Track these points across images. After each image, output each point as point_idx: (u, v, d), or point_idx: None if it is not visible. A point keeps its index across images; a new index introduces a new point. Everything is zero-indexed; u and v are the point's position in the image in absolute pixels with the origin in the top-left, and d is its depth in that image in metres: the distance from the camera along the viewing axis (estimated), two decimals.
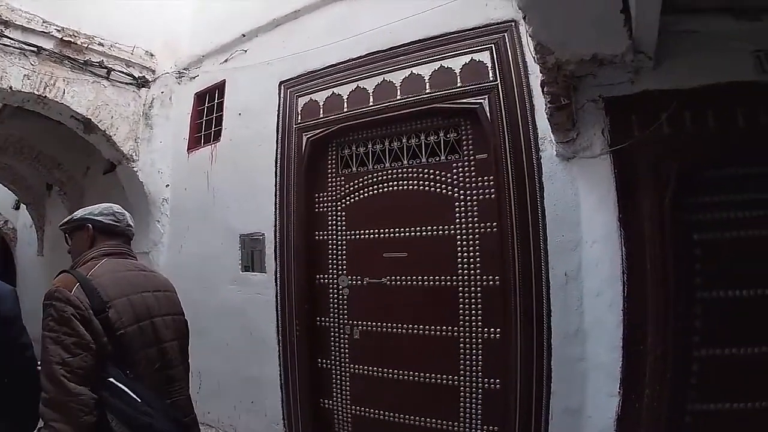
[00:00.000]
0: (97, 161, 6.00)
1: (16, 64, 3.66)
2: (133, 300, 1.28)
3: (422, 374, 2.80)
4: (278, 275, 3.25)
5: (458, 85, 2.71)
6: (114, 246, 1.41)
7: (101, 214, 1.46)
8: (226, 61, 4.09)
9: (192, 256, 4.02)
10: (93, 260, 1.33)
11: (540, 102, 2.32)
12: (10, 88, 3.60)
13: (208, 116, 4.28)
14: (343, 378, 3.10)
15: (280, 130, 3.40)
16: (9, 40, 3.57)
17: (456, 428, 2.66)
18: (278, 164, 3.36)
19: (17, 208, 9.57)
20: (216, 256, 3.77)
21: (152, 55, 4.53)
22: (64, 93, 3.88)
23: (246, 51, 3.92)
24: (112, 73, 4.18)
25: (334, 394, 3.12)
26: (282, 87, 3.48)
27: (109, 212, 1.48)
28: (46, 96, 3.79)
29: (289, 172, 3.28)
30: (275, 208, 3.31)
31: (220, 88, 4.17)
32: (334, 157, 3.31)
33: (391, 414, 2.90)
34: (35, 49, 3.71)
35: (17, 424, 1.27)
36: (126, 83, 4.33)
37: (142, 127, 4.42)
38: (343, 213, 3.19)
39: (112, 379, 1.12)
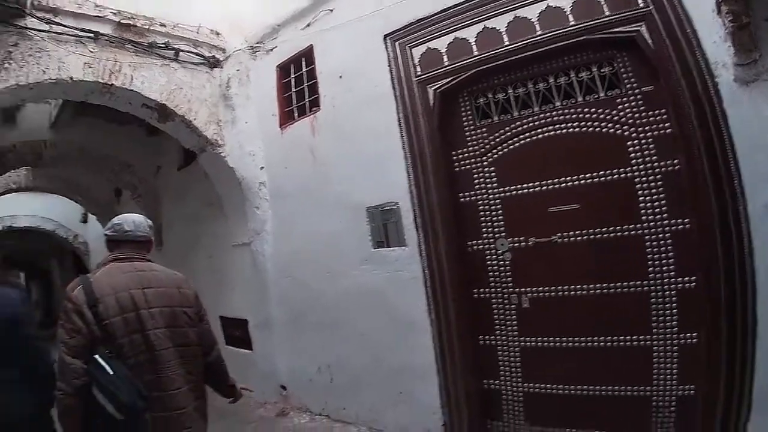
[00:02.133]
0: (168, 159, 6.83)
1: (73, 52, 3.98)
2: (119, 297, 2.00)
3: (606, 338, 2.98)
4: (422, 247, 3.51)
5: (605, 14, 2.87)
6: (120, 252, 2.15)
7: (109, 229, 2.21)
8: (308, 25, 4.43)
9: (305, 241, 4.42)
10: (102, 266, 2.12)
11: (702, 26, 2.56)
12: (71, 78, 3.96)
13: (297, 87, 4.62)
14: (512, 354, 3.33)
15: (396, 86, 3.66)
16: (61, 27, 3.91)
17: (648, 392, 2.85)
18: (402, 124, 3.61)
19: (85, 221, 11.18)
20: (337, 237, 4.10)
21: (218, 33, 4.99)
22: (132, 79, 4.31)
23: (332, 10, 4.23)
24: (180, 54, 4.63)
25: (502, 373, 3.37)
26: (388, 40, 3.74)
27: (111, 226, 2.21)
28: (112, 84, 4.19)
29: (418, 131, 3.52)
30: (408, 173, 3.57)
31: (306, 55, 4.50)
32: (468, 108, 3.49)
33: (570, 387, 3.11)
34: (92, 35, 4.07)
35: (40, 392, 2.09)
36: (196, 63, 4.81)
37: (222, 109, 4.91)
38: (492, 168, 3.38)
39: (96, 356, 1.89)
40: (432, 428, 3.60)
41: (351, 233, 4.04)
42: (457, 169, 3.57)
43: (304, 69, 4.59)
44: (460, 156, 3.56)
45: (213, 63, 4.96)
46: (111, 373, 1.88)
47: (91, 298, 1.97)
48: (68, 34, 4.00)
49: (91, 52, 4.12)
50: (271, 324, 4.89)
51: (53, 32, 3.91)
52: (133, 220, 2.25)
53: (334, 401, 4.37)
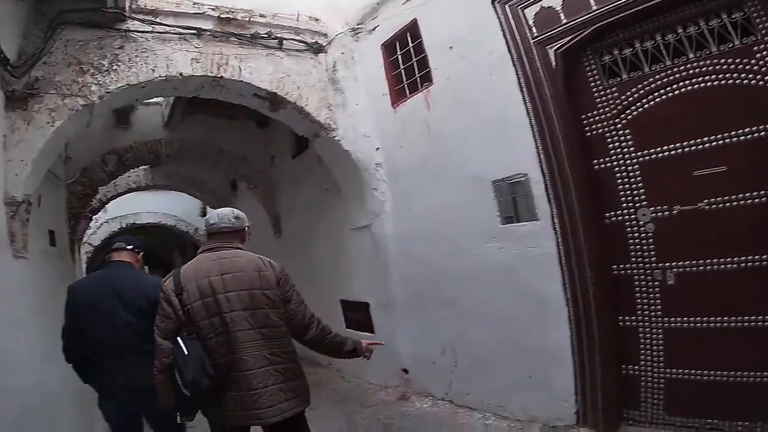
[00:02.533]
0: (281, 149, 7.30)
1: (178, 49, 4.32)
2: (200, 284, 2.31)
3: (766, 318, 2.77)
4: (555, 221, 3.45)
5: None
6: (209, 244, 2.50)
7: (205, 225, 2.61)
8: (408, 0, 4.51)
9: (425, 219, 4.52)
10: (194, 257, 2.49)
11: None
12: (181, 74, 4.30)
13: (405, 63, 4.72)
14: (654, 336, 3.21)
15: (513, 50, 3.61)
16: (163, 26, 4.26)
17: None
18: (524, 89, 3.56)
19: (204, 214, 11.92)
20: (460, 213, 4.14)
21: (317, 19, 5.19)
22: (240, 70, 4.60)
23: None
24: (284, 42, 4.87)
25: (642, 357, 3.26)
26: (497, 4, 3.70)
27: (205, 222, 2.61)
28: (221, 76, 4.50)
29: (542, 95, 3.45)
30: (535, 142, 3.50)
31: (410, 30, 4.58)
32: (593, 67, 3.39)
33: (719, 373, 2.95)
34: (195, 31, 4.39)
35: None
36: (300, 50, 5.05)
37: (331, 93, 5.12)
38: (627, 131, 3.25)
39: (178, 338, 2.25)
40: (563, 416, 3.56)
41: (475, 209, 4.06)
42: (589, 134, 3.46)
43: (411, 44, 4.67)
44: (591, 119, 3.45)
45: (316, 49, 5.17)
46: (186, 353, 2.22)
47: (178, 287, 2.33)
48: (171, 33, 4.35)
49: (196, 47, 4.43)
50: (393, 306, 5.07)
51: (156, 32, 4.26)
52: (218, 213, 2.59)
53: (458, 385, 4.43)
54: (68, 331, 2.87)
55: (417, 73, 4.64)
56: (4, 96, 3.37)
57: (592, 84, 3.44)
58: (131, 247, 3.10)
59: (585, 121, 3.47)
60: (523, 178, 3.67)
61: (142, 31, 4.20)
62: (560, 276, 3.50)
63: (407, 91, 4.78)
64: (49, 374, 3.56)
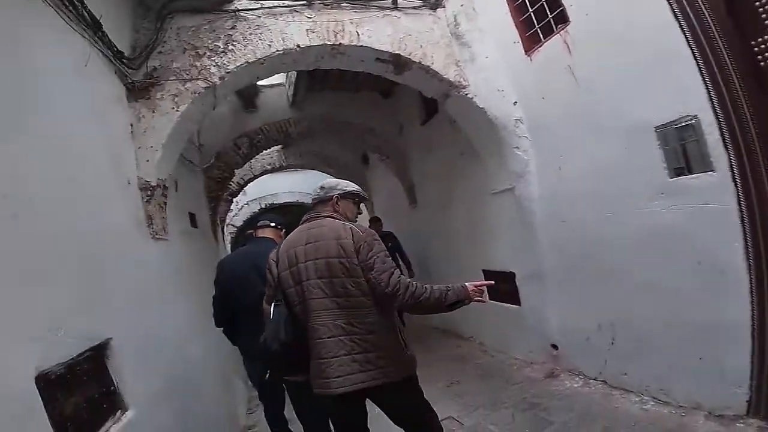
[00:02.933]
0: (409, 117, 7.34)
1: (291, 21, 4.38)
2: (289, 253, 2.52)
3: None
4: (735, 171, 3.01)
5: None
6: (307, 215, 2.68)
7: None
8: None
9: (577, 178, 4.25)
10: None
11: None
12: (298, 46, 4.36)
13: (533, 5, 4.44)
14: None
15: None
16: (271, 1, 4.36)
17: None
18: (679, 16, 3.15)
19: None
20: (618, 168, 3.78)
21: None
22: (358, 35, 4.59)
23: None
24: (398, 2, 4.77)
25: None
26: None
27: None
28: (340, 43, 4.52)
29: (701, 23, 3.04)
30: (702, 77, 3.08)
31: None
32: None
33: None
34: (305, 1, 4.44)
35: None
36: (417, 8, 4.94)
37: (456, 48, 4.97)
38: None
39: (273, 303, 2.51)
40: (732, 405, 3.19)
41: (636, 161, 3.67)
42: (763, 63, 2.94)
43: None
44: (763, 46, 2.92)
45: (434, 4, 5.03)
46: (270, 317, 2.50)
47: (275, 257, 2.60)
48: (281, 6, 4.43)
49: (309, 17, 4.48)
50: (542, 275, 4.89)
51: (266, 8, 4.37)
52: (320, 183, 2.78)
53: (614, 365, 4.18)
54: (217, 301, 3.49)
55: (549, 13, 4.32)
56: (125, 89, 3.67)
57: (758, 4, 2.89)
58: (273, 224, 3.65)
59: (756, 48, 2.95)
60: (692, 121, 3.21)
61: (252, 9, 4.35)
62: (741, 238, 3.04)
63: (541, 36, 4.47)
64: (192, 349, 3.94)
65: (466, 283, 2.57)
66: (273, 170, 10.39)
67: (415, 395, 2.61)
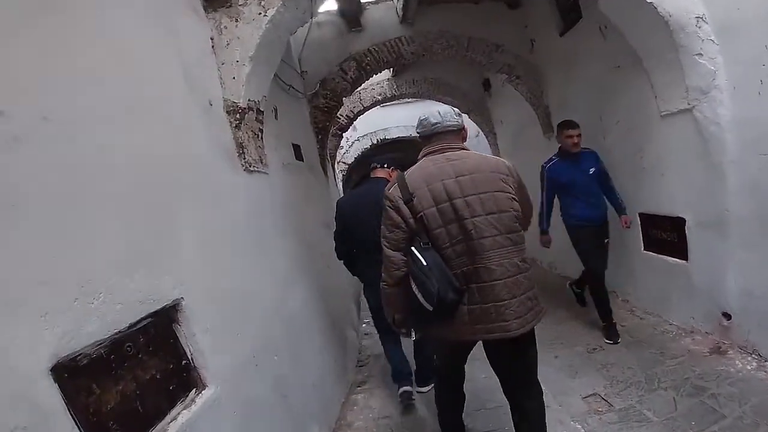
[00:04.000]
0: (543, 28, 6.27)
1: None
2: (432, 188, 2.27)
3: None
4: None
5: None
6: (429, 147, 2.44)
7: (418, 126, 2.52)
8: None
9: None
10: (416, 162, 2.44)
11: None
12: None
13: None
14: None
15: None
16: None
17: None
18: None
19: None
20: None
21: None
22: None
23: None
24: None
25: None
26: None
27: (418, 123, 2.52)
28: None
29: None
30: None
31: None
32: None
33: None
34: None
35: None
36: None
37: None
38: None
39: (412, 248, 2.25)
40: None
41: None
42: None
43: None
44: None
45: None
46: (424, 263, 2.18)
47: (406, 193, 2.29)
48: None
49: None
50: (725, 225, 3.81)
51: None
52: (438, 111, 2.49)
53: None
54: (338, 235, 3.99)
55: None
56: None
57: None
58: (384, 165, 3.97)
59: None
60: None
61: None
62: None
63: None
64: (292, 302, 3.51)
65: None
66: (384, 101, 9.70)
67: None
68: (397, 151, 15.85)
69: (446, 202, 2.25)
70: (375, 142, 12.64)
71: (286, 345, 3.16)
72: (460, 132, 2.52)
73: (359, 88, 8.18)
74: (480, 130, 10.08)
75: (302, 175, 4.81)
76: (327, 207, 5.48)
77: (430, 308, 2.18)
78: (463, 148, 2.45)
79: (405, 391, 3.97)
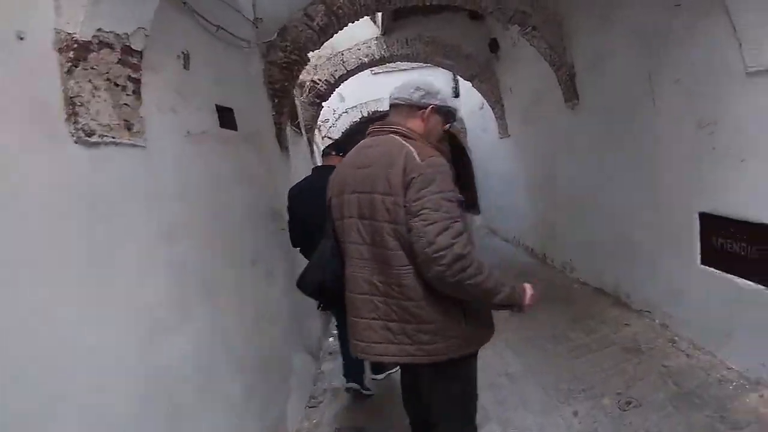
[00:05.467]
0: None
1: None
2: (339, 177, 2.18)
3: None
4: None
5: None
6: (376, 125, 2.19)
7: None
8: None
9: None
10: None
11: None
12: None
13: None
14: None
15: None
16: None
17: None
18: None
19: (457, 95, 10.85)
20: None
21: None
22: None
23: None
24: None
25: None
26: None
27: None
28: None
29: None
30: None
31: None
32: None
33: None
34: None
35: None
36: None
37: None
38: None
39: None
40: None
41: None
42: None
43: None
44: None
45: None
46: (319, 252, 2.26)
47: (331, 178, 2.25)
48: None
49: None
50: None
51: None
52: (403, 82, 2.18)
53: None
54: (291, 224, 3.90)
55: None
56: None
57: None
58: (339, 153, 3.88)
59: None
60: None
61: None
62: None
63: None
64: (173, 347, 2.10)
65: (525, 285, 2.12)
66: (372, 63, 8.42)
67: (459, 383, 2.13)
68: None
69: (340, 196, 2.12)
70: (366, 114, 11.44)
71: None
72: (410, 109, 2.12)
73: (342, 49, 7.43)
74: (485, 100, 8.71)
75: (231, 149, 3.48)
76: (283, 190, 4.16)
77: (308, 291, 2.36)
78: (398, 133, 2.05)
79: (350, 388, 3.98)
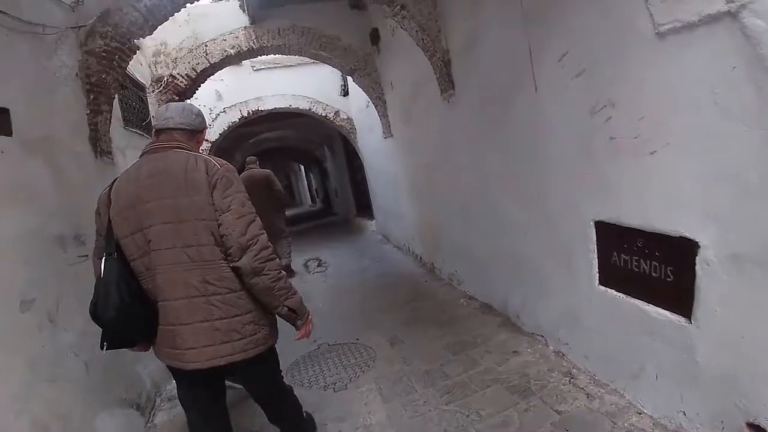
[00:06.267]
0: None
1: None
2: (126, 193, 2.08)
3: None
4: None
5: None
6: (154, 144, 2.21)
7: (154, 119, 2.35)
8: None
9: None
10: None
11: None
12: None
13: None
14: None
15: None
16: None
17: None
18: None
19: (346, 93, 10.05)
20: None
21: None
22: None
23: None
24: None
25: None
26: None
27: (156, 114, 2.32)
28: None
29: None
30: None
31: None
32: None
33: None
34: None
35: None
36: None
37: None
38: None
39: (103, 257, 2.08)
40: None
41: None
42: None
43: None
44: None
45: None
46: (100, 275, 2.04)
47: (107, 197, 2.12)
48: None
49: None
50: None
51: None
52: (175, 106, 2.28)
53: None
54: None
55: None
56: None
57: None
58: None
59: None
60: None
61: None
62: None
63: None
64: None
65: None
66: (240, 56, 7.34)
67: (278, 367, 2.49)
68: (279, 128, 13.47)
69: (131, 209, 2.04)
70: (246, 114, 10.25)
71: None
72: (192, 133, 2.27)
73: (207, 40, 6.46)
74: (369, 99, 7.79)
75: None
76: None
77: (99, 325, 2.05)
78: (179, 148, 2.15)
79: None
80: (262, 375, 2.36)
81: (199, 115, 2.31)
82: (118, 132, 4.51)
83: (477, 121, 4.14)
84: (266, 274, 2.04)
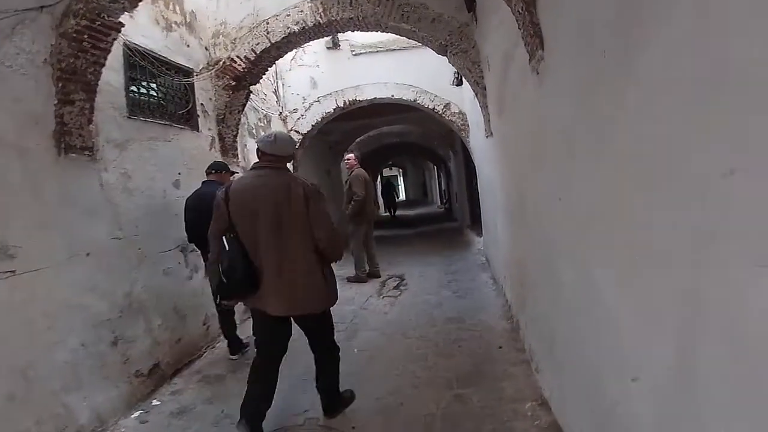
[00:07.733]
0: None
1: None
2: (242, 193, 2.95)
3: None
4: None
5: None
6: (259, 162, 3.09)
7: (258, 141, 3.13)
8: None
9: None
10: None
11: None
12: None
13: None
14: None
15: None
16: None
17: None
18: None
19: (459, 82, 7.65)
20: None
21: None
22: None
23: None
24: None
25: None
26: None
27: (260, 138, 3.15)
28: None
29: None
30: None
31: None
32: None
33: None
34: None
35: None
36: None
37: None
38: None
39: (223, 237, 2.98)
40: None
41: None
42: None
43: None
44: None
45: None
46: (227, 249, 2.92)
47: (223, 195, 2.97)
48: None
49: None
50: None
51: None
52: (276, 136, 3.09)
53: None
54: (186, 225, 4.53)
55: None
56: None
57: None
58: (214, 170, 4.73)
59: None
60: None
61: None
62: None
63: None
64: None
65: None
66: (303, 33, 5.96)
67: (331, 321, 3.33)
68: (372, 118, 11.38)
69: (246, 207, 2.92)
70: (342, 104, 8.89)
71: None
72: (283, 159, 3.12)
73: (269, 16, 5.69)
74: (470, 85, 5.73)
75: None
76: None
77: (224, 281, 2.94)
78: (280, 168, 3.06)
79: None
80: (322, 325, 3.25)
81: (293, 143, 3.29)
82: (114, 123, 4.02)
83: (572, 102, 2.09)
84: (329, 249, 3.07)
